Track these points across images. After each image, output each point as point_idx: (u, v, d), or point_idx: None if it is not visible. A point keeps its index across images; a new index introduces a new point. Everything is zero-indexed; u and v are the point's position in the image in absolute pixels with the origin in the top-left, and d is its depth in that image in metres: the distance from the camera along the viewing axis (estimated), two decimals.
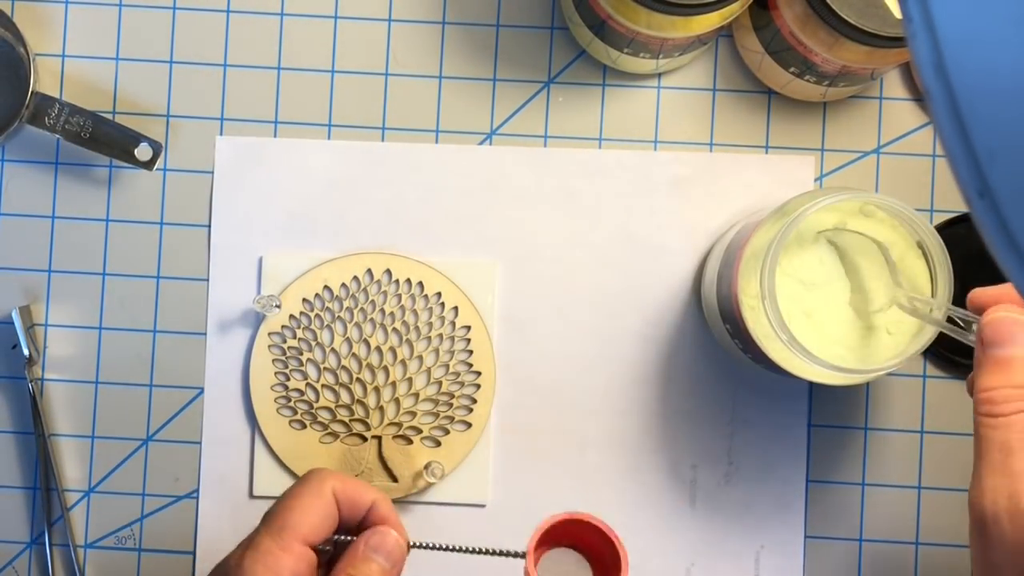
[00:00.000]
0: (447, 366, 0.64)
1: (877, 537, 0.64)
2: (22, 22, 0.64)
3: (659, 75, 0.65)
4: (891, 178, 0.65)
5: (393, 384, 0.64)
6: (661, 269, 0.65)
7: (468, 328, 0.64)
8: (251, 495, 0.64)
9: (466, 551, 0.52)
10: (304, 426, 0.64)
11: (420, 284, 0.64)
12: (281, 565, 0.48)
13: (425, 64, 0.65)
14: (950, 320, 0.52)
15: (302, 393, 0.64)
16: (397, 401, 0.64)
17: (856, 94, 0.65)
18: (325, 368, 0.64)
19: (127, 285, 0.65)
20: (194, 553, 0.64)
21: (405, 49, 0.65)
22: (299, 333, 0.64)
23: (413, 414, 0.64)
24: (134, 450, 0.65)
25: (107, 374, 0.65)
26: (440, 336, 0.64)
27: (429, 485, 0.64)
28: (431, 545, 0.52)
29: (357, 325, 0.64)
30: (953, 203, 0.65)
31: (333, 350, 0.64)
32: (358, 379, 0.64)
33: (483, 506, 0.64)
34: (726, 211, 0.64)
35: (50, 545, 0.64)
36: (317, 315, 0.64)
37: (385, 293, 0.64)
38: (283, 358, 0.64)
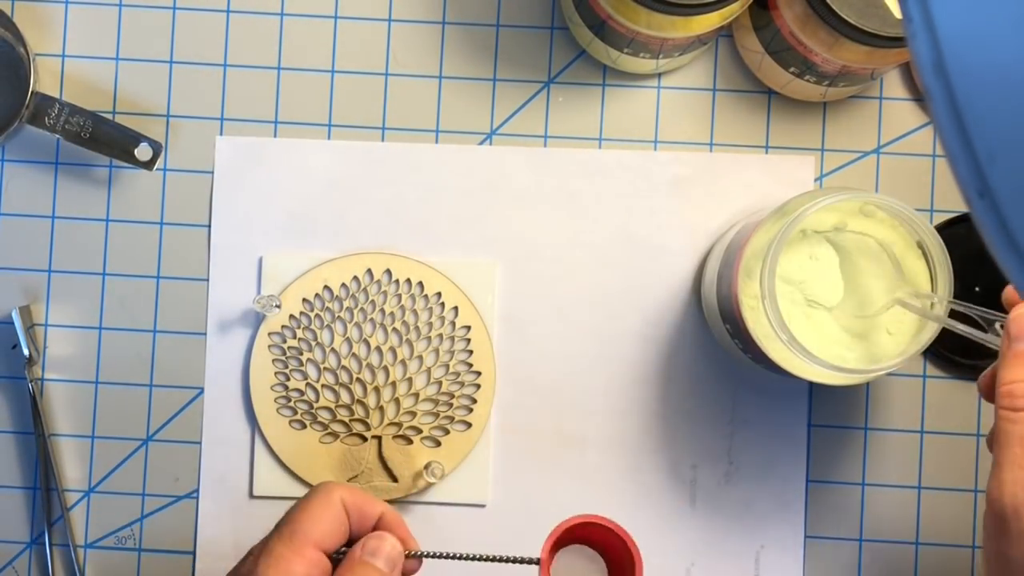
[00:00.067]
0: (447, 366, 0.64)
1: (877, 537, 0.64)
2: (22, 22, 0.64)
3: (659, 75, 0.65)
4: (891, 178, 0.65)
5: (393, 384, 0.64)
6: (661, 269, 0.64)
7: (468, 328, 0.64)
8: (251, 495, 0.64)
9: (479, 559, 0.52)
10: (304, 426, 0.64)
11: (420, 284, 0.64)
12: (294, 570, 0.48)
13: (425, 64, 0.65)
14: (968, 318, 0.52)
15: (302, 393, 0.64)
16: (397, 401, 0.64)
17: (856, 94, 0.65)
18: (325, 368, 0.64)
19: (127, 285, 0.65)
20: (194, 553, 0.64)
21: (405, 49, 0.65)
22: (299, 333, 0.64)
23: (413, 414, 0.64)
24: (134, 450, 0.65)
25: (107, 374, 0.65)
26: (440, 336, 0.64)
27: (429, 485, 0.64)
28: (444, 554, 0.52)
29: (357, 325, 0.64)
30: (953, 203, 0.65)
31: (333, 350, 0.64)
32: (358, 379, 0.64)
33: (483, 506, 0.64)
34: (726, 211, 0.64)
35: (50, 545, 0.64)
36: (317, 315, 0.64)
37: (385, 293, 0.64)
38: (283, 358, 0.64)
